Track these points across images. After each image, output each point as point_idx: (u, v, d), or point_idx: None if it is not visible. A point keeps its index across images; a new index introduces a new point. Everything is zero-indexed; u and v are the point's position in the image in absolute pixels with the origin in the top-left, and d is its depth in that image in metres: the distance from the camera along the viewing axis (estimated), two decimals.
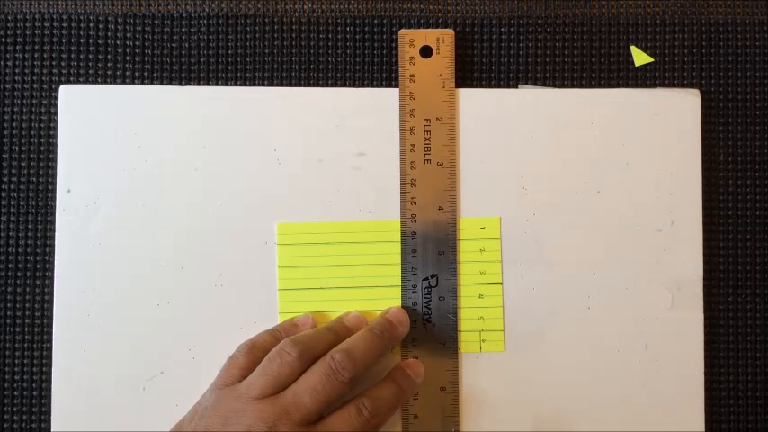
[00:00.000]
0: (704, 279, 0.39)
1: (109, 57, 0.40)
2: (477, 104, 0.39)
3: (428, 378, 0.37)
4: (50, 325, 0.38)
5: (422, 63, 0.39)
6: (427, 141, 0.38)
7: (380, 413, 0.34)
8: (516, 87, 0.40)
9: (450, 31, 0.39)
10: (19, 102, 0.39)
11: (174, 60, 0.40)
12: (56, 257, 0.38)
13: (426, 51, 0.39)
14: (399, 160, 0.38)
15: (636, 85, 0.40)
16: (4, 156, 0.39)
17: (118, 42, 0.40)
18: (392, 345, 0.37)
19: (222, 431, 0.32)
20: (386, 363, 0.37)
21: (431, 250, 0.38)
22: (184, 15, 0.40)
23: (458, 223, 0.38)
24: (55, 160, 0.39)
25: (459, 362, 0.38)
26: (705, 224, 0.39)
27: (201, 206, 0.38)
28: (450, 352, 0.38)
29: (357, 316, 0.37)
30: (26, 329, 0.39)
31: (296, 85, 0.40)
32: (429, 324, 0.38)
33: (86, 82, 0.39)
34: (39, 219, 0.39)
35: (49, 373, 0.38)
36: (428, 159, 0.38)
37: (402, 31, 0.39)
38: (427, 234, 0.38)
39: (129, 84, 0.39)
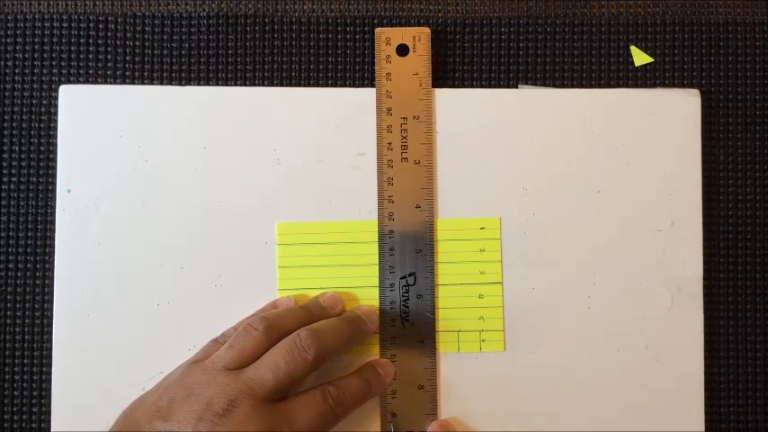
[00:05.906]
0: (704, 279, 0.39)
1: (109, 57, 0.40)
2: (476, 105, 0.39)
3: (406, 376, 0.37)
4: (50, 325, 0.38)
5: (398, 61, 0.39)
6: (404, 140, 0.38)
7: (345, 404, 0.34)
8: (516, 87, 0.40)
9: (426, 30, 0.39)
10: (19, 102, 0.39)
11: (174, 60, 0.40)
12: (56, 257, 0.38)
13: (403, 50, 0.39)
14: (376, 159, 0.38)
15: (636, 85, 0.40)
16: (4, 156, 0.39)
17: (118, 42, 0.40)
18: (361, 337, 0.37)
19: (185, 402, 0.32)
20: (361, 359, 0.37)
21: (408, 249, 0.38)
22: (184, 15, 0.40)
23: (435, 222, 0.38)
24: (55, 160, 0.39)
25: (459, 362, 0.38)
26: (705, 224, 0.39)
27: (201, 206, 0.38)
28: (428, 350, 0.38)
29: (333, 295, 0.37)
30: (26, 329, 0.39)
31: (296, 85, 0.40)
32: (407, 322, 0.38)
33: (86, 82, 0.39)
34: (39, 219, 0.39)
35: (49, 373, 0.38)
36: (405, 158, 0.38)
37: (378, 30, 0.39)
38: (405, 232, 0.38)
39: (129, 84, 0.39)
